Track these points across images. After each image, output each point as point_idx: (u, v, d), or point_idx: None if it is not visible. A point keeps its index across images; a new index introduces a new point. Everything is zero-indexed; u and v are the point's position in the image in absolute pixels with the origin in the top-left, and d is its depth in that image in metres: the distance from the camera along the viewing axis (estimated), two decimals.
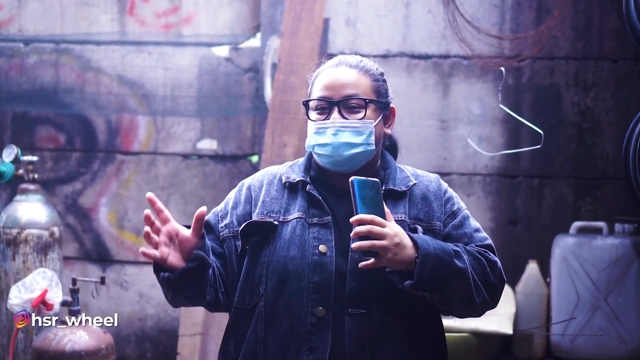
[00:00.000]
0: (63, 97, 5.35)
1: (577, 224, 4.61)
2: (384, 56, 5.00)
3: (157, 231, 2.10)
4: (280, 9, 4.90)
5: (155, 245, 2.10)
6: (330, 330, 2.14)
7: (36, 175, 4.63)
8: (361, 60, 2.30)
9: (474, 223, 2.31)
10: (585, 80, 4.88)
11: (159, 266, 2.15)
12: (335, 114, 2.22)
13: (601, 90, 4.87)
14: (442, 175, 4.93)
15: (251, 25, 5.15)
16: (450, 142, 4.97)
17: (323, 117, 2.24)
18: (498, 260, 2.21)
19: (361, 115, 2.22)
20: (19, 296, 3.86)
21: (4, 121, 5.41)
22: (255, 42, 5.06)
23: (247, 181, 2.38)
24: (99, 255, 5.28)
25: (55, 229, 4.58)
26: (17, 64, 5.40)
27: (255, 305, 2.21)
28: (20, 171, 4.60)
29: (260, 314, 2.20)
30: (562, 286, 4.43)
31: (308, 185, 2.27)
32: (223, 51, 5.16)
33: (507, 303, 4.40)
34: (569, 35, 4.88)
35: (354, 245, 2.03)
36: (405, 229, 2.13)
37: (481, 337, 4.09)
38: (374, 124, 2.24)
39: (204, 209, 2.11)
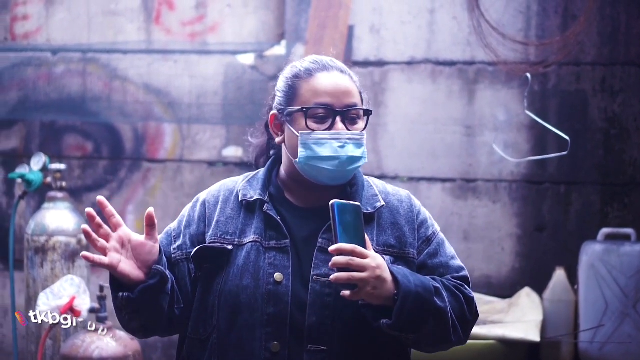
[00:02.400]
0: (90, 105, 5.39)
1: (604, 230, 4.57)
2: (409, 63, 5.00)
3: (106, 237, 1.94)
4: (305, 17, 4.91)
5: (103, 251, 1.94)
6: None
7: (64, 183, 4.66)
8: (342, 65, 2.13)
9: (449, 249, 2.14)
10: (612, 86, 4.85)
11: (117, 284, 1.98)
12: (339, 125, 2.03)
13: (628, 96, 4.84)
14: (468, 181, 4.95)
15: (276, 33, 5.17)
16: (476, 148, 4.95)
17: (322, 127, 2.04)
18: (474, 296, 2.08)
19: (362, 126, 2.07)
20: (47, 303, 3.88)
21: (32, 130, 5.46)
22: (280, 49, 5.07)
23: (202, 196, 2.19)
24: None
25: (83, 237, 4.60)
26: (45, 73, 5.45)
27: (208, 337, 2.04)
28: (48, 179, 4.63)
29: (213, 347, 2.03)
30: (590, 293, 4.40)
31: (265, 205, 2.08)
32: (248, 59, 5.18)
33: (534, 310, 4.38)
34: (596, 40, 4.84)
35: (332, 276, 1.85)
36: None
37: (508, 344, 4.06)
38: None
39: (151, 209, 1.97)
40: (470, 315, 2.05)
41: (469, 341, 3.94)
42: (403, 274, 1.92)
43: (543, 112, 4.79)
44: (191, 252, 2.09)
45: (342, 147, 2.01)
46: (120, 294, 1.97)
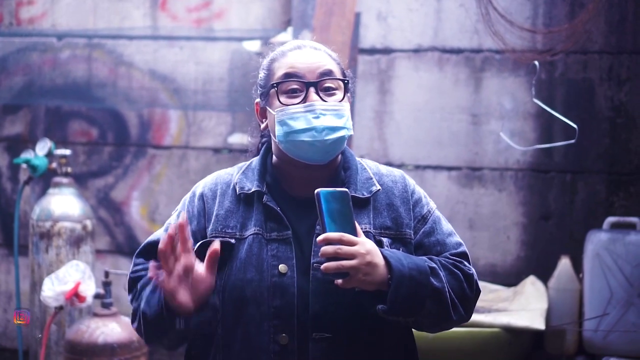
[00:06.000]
0: (95, 91, 5.38)
1: (610, 219, 4.57)
2: (416, 50, 4.98)
3: (174, 258, 1.86)
4: (311, 3, 4.89)
5: (169, 272, 1.85)
6: (295, 359, 1.95)
7: (69, 169, 4.67)
8: (319, 45, 2.09)
9: (446, 226, 2.11)
10: (619, 75, 4.83)
11: (166, 307, 1.90)
12: (313, 96, 1.98)
13: (635, 84, 4.82)
14: (474, 170, 4.94)
15: (282, 20, 5.15)
16: (482, 136, 4.94)
17: (295, 101, 2.00)
18: (474, 272, 2.05)
19: (339, 96, 2.02)
20: (52, 288, 3.89)
21: (37, 115, 5.46)
22: (286, 36, 5.05)
23: (198, 189, 2.14)
24: (131, 248, 5.31)
25: (88, 222, 4.62)
26: (50, 58, 5.45)
27: (213, 332, 2.01)
28: (54, 165, 4.64)
29: (219, 343, 2.01)
30: (595, 282, 4.39)
31: (265, 196, 2.03)
32: (254, 46, 5.17)
33: (539, 298, 4.38)
34: (603, 29, 4.83)
35: (322, 266, 1.82)
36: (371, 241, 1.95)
37: (513, 332, 4.06)
38: (348, 109, 2.05)
39: (217, 245, 1.88)
40: (470, 291, 2.01)
41: (474, 329, 3.95)
42: (396, 258, 1.89)
43: (550, 100, 4.77)
44: (194, 248, 2.00)
45: (316, 117, 1.97)
46: (177, 319, 1.90)
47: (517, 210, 4.90)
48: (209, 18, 5.25)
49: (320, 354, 1.94)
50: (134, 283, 2.08)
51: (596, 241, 4.43)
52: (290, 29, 5.04)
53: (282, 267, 1.96)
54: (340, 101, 2.01)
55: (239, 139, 5.17)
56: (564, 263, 4.56)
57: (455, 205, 4.93)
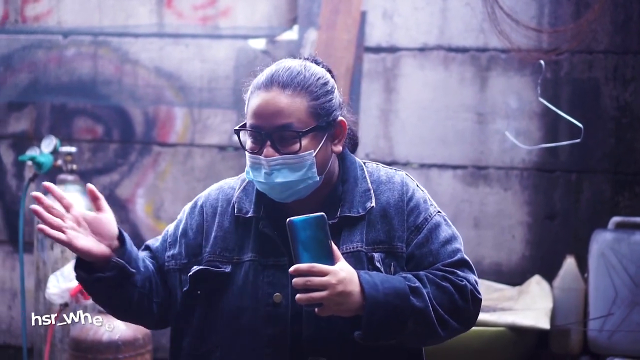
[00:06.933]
0: (101, 89, 5.38)
1: (615, 219, 4.56)
2: (421, 49, 4.98)
3: (60, 218, 1.96)
4: (317, 2, 4.89)
5: (60, 229, 1.94)
6: None
7: (74, 166, 4.67)
8: (298, 74, 1.98)
9: (443, 233, 2.04)
10: (624, 75, 4.82)
11: (86, 266, 1.99)
12: (267, 149, 1.93)
13: None
14: (479, 169, 4.94)
15: (288, 18, 5.15)
16: (487, 135, 4.94)
17: (256, 148, 1.96)
18: (468, 281, 1.98)
19: (296, 147, 1.93)
20: (57, 285, 3.89)
21: (42, 113, 5.46)
22: (292, 34, 5.05)
23: (200, 201, 2.15)
24: (136, 245, 5.30)
25: None
26: (56, 56, 5.45)
27: (209, 354, 2.04)
28: (59, 162, 4.64)
29: None
30: (600, 282, 4.39)
31: (261, 223, 2.02)
32: (260, 44, 5.16)
33: (544, 298, 4.38)
34: (609, 29, 4.82)
35: (296, 297, 1.82)
36: (362, 260, 1.96)
37: (517, 331, 4.06)
38: (314, 154, 1.95)
39: (89, 185, 2.03)
40: (464, 302, 1.96)
41: (478, 328, 3.95)
42: (372, 283, 1.86)
43: (555, 99, 4.77)
44: (185, 262, 2.08)
45: (269, 174, 1.95)
46: (76, 274, 2.00)
47: (522, 210, 4.90)
48: (214, 16, 5.25)
49: None
50: None
51: (601, 241, 4.43)
52: (296, 27, 5.04)
53: (276, 297, 1.97)
54: (298, 151, 1.93)
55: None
56: (569, 262, 4.55)
57: (460, 204, 4.93)
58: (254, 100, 1.98)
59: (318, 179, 1.98)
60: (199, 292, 2.06)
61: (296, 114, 1.94)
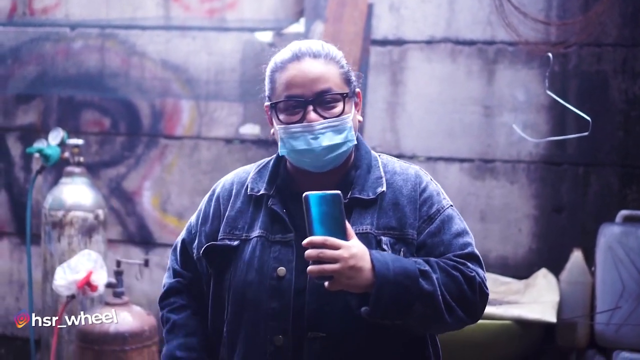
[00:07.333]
0: (108, 81, 5.39)
1: (623, 212, 4.54)
2: (428, 42, 4.97)
3: None
4: None
5: None
6: (290, 359, 2.00)
7: (81, 159, 4.68)
8: (322, 46, 2.08)
9: (456, 226, 2.07)
10: (633, 68, 4.80)
11: None
12: (310, 114, 2.00)
13: None
14: (486, 162, 4.93)
15: (295, 11, 5.14)
16: (494, 128, 4.93)
17: (295, 118, 2.02)
18: (478, 273, 2.00)
19: (338, 110, 2.02)
20: (64, 277, 3.91)
21: (50, 105, 5.47)
22: (298, 27, 5.04)
23: (217, 188, 2.23)
24: (142, 238, 5.32)
25: (100, 212, 4.63)
26: (63, 48, 5.46)
27: (222, 331, 2.12)
28: (66, 154, 4.65)
29: (225, 341, 2.11)
30: (607, 275, 4.38)
31: (270, 200, 2.09)
32: (266, 36, 5.16)
33: (550, 291, 4.37)
34: (617, 21, 4.79)
35: (307, 269, 1.84)
36: (371, 242, 1.98)
37: (524, 325, 4.05)
38: (351, 117, 2.06)
39: None
40: (472, 293, 1.98)
41: (484, 321, 3.94)
42: (383, 262, 1.88)
43: (563, 92, 4.75)
44: (202, 250, 2.16)
45: (315, 138, 2.00)
46: None
47: (529, 203, 4.88)
48: (221, 8, 5.25)
49: (315, 354, 1.97)
50: (167, 296, 2.29)
51: (609, 234, 4.41)
52: (302, 20, 5.03)
53: (280, 270, 2.01)
54: (341, 114, 2.02)
55: (250, 129, 5.17)
56: (576, 256, 4.54)
57: (466, 197, 4.92)
58: (285, 74, 2.03)
59: (356, 142, 2.07)
60: (211, 270, 2.13)
61: (333, 79, 2.03)
